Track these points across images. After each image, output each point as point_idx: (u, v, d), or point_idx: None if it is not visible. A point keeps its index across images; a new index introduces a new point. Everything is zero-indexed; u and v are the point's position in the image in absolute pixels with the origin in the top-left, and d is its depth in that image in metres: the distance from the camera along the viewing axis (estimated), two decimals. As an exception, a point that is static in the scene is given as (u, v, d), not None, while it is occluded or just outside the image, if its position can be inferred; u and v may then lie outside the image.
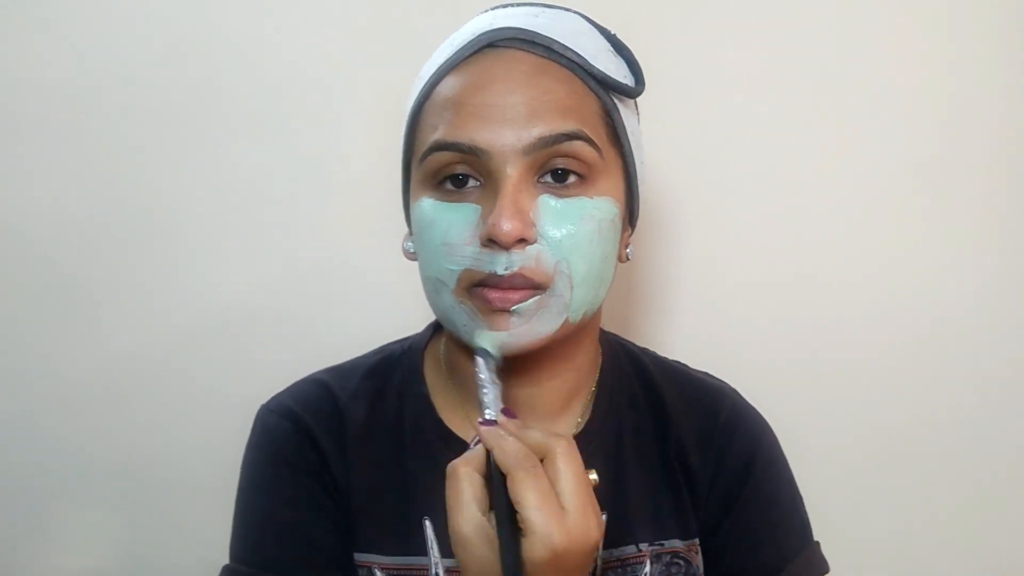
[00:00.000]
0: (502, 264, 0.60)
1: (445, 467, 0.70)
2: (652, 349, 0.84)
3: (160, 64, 0.99)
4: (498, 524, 0.52)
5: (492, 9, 0.69)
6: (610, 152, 0.65)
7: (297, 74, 1.01)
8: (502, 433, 0.56)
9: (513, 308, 0.61)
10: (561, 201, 0.62)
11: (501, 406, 0.59)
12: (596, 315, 0.71)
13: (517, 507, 0.52)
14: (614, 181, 0.65)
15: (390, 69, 0.96)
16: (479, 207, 0.62)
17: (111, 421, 1.03)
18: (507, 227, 0.58)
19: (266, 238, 1.02)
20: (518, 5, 0.68)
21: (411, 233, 0.70)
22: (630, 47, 0.69)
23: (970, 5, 1.03)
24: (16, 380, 1.02)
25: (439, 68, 0.64)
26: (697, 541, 0.74)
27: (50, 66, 0.98)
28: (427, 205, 0.63)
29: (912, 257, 1.06)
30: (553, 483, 0.53)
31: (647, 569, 0.72)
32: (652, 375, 0.79)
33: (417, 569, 0.69)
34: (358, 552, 0.70)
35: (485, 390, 0.60)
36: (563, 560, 0.51)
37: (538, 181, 0.62)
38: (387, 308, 1.01)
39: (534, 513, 0.51)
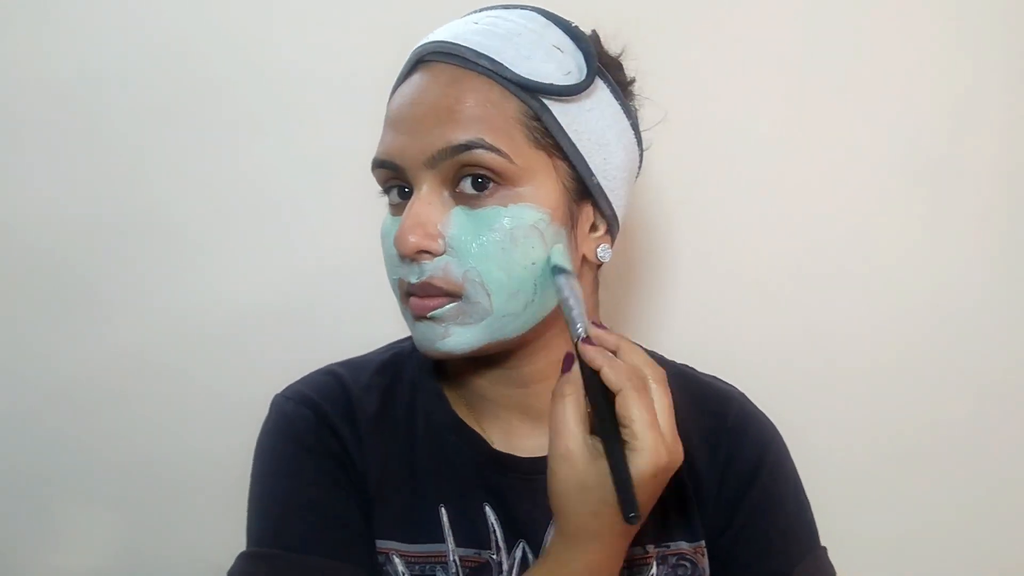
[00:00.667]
0: (414, 274, 0.64)
1: (455, 457, 0.71)
2: (661, 354, 0.84)
3: (161, 64, 1.00)
4: (607, 440, 0.55)
5: (469, 14, 0.70)
6: (532, 156, 0.64)
7: (300, 74, 1.01)
8: (607, 353, 0.58)
9: (430, 314, 0.64)
10: (473, 212, 0.63)
11: (588, 321, 0.61)
12: (554, 316, 0.70)
13: (627, 422, 0.55)
14: (539, 185, 0.64)
15: (394, 70, 0.98)
16: (400, 219, 0.65)
17: (112, 421, 1.03)
18: (401, 241, 0.62)
19: (269, 238, 1.03)
20: (480, 10, 0.70)
21: None
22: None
23: (971, 6, 1.04)
24: (17, 380, 1.02)
25: (392, 86, 0.69)
26: (703, 544, 0.74)
27: (50, 66, 0.99)
28: (385, 218, 0.68)
29: (913, 258, 1.07)
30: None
31: (653, 570, 0.71)
32: None
33: (435, 556, 0.69)
34: (377, 539, 0.70)
35: (571, 305, 0.61)
36: (660, 477, 0.56)
37: (456, 191, 0.64)
38: (389, 309, 1.00)
39: (645, 429, 0.55)
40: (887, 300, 1.07)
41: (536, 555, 0.70)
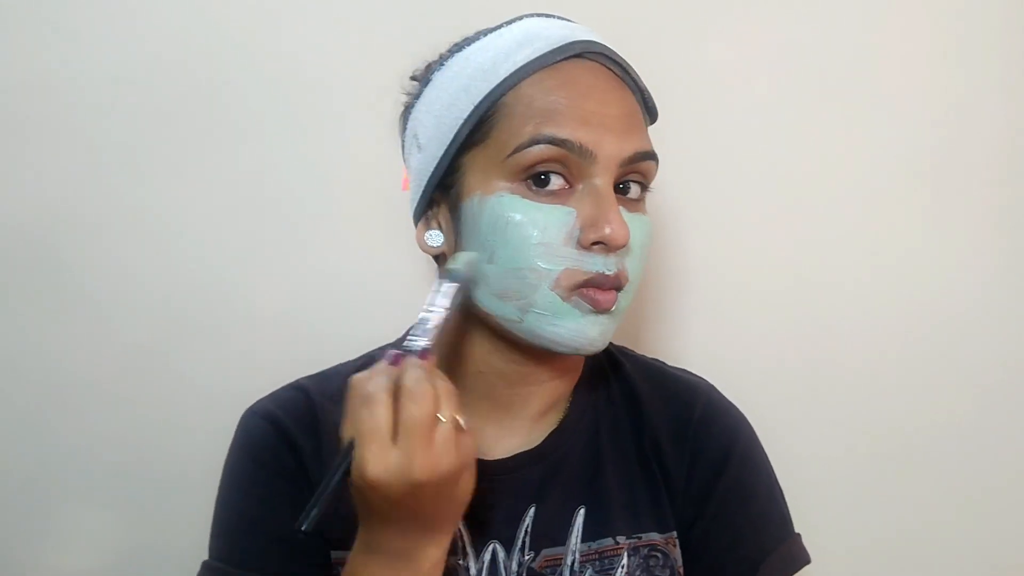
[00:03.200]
0: (610, 265, 0.64)
1: None
2: (632, 350, 0.85)
3: (160, 63, 1.00)
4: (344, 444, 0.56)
5: (538, 16, 0.70)
6: None
7: (297, 74, 1.01)
8: (374, 369, 0.57)
9: (612, 308, 0.65)
10: (632, 215, 0.66)
11: (426, 342, 0.59)
12: None
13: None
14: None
15: (393, 70, 0.96)
16: (573, 210, 0.64)
17: (110, 421, 1.04)
18: (622, 232, 0.62)
19: (266, 238, 1.03)
20: (556, 17, 0.71)
21: (453, 226, 0.69)
22: (636, 56, 0.71)
23: (971, 6, 1.04)
24: (14, 380, 1.03)
25: (523, 66, 0.65)
26: (675, 535, 0.75)
27: (49, 65, 0.99)
28: (513, 202, 0.64)
29: (920, 259, 1.07)
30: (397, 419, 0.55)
31: (624, 561, 0.72)
32: (628, 372, 0.80)
33: None
34: (335, 550, 0.71)
35: (443, 316, 0.61)
36: (379, 488, 0.54)
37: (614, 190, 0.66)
38: (386, 309, 0.99)
39: (359, 440, 0.55)
40: (893, 302, 1.07)
41: (508, 552, 0.71)
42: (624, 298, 0.66)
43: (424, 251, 0.72)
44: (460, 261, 0.64)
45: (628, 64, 0.68)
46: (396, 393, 0.55)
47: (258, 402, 0.77)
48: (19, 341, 1.03)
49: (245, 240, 1.03)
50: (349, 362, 0.81)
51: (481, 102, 0.66)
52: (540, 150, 0.63)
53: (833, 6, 1.03)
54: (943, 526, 1.09)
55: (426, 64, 0.73)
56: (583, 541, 0.72)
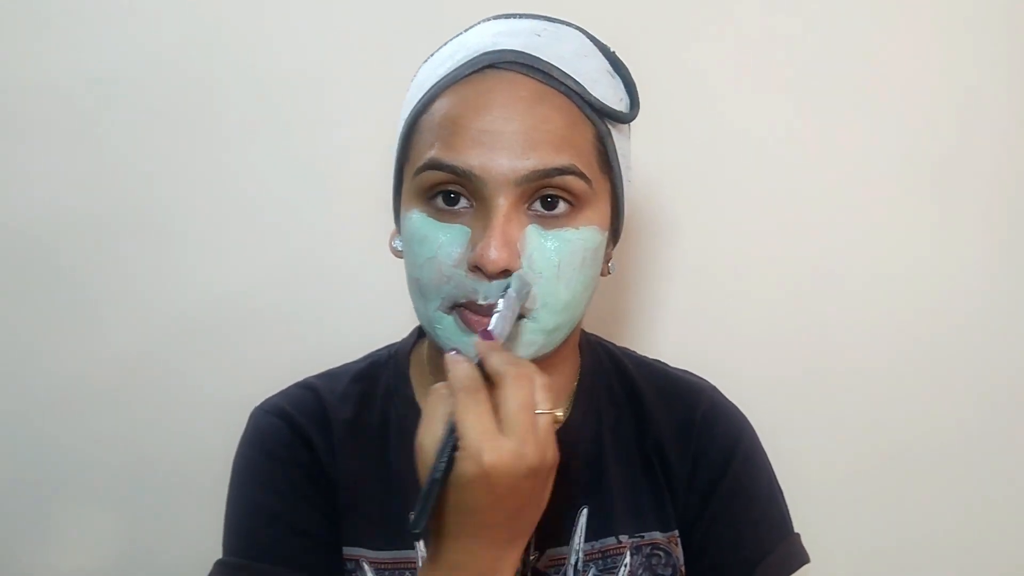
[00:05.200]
0: (482, 294, 0.63)
1: None
2: (635, 350, 0.86)
3: (158, 64, 1.00)
4: (442, 444, 0.54)
5: (495, 19, 0.69)
6: (600, 180, 0.66)
7: (294, 75, 1.01)
8: (460, 358, 0.57)
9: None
10: (547, 233, 0.63)
11: (502, 328, 0.59)
12: (576, 328, 0.73)
13: (457, 427, 0.54)
14: (601, 208, 0.67)
15: (388, 70, 0.95)
16: (468, 230, 0.63)
17: (110, 421, 1.04)
18: (494, 257, 0.60)
19: (263, 238, 1.03)
20: (520, 17, 0.68)
21: (399, 234, 0.71)
22: (625, 56, 0.70)
23: (972, 6, 1.03)
24: (14, 380, 1.03)
25: (437, 83, 0.65)
26: (677, 533, 0.76)
27: (48, 66, 0.99)
28: (418, 219, 0.65)
29: (918, 261, 1.06)
30: (498, 407, 0.54)
31: (627, 560, 0.73)
32: (631, 373, 0.81)
33: (403, 563, 0.71)
34: (347, 546, 0.72)
35: (514, 308, 0.61)
36: (492, 479, 0.53)
37: (527, 209, 0.63)
38: (383, 309, 1.01)
39: (467, 430, 0.53)
40: (893, 304, 1.07)
41: None
42: (534, 323, 0.64)
43: (394, 255, 0.73)
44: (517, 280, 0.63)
45: (555, 68, 0.63)
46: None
47: (267, 400, 0.77)
48: (19, 343, 1.03)
49: (246, 241, 1.03)
50: (354, 362, 0.81)
51: (408, 118, 0.67)
52: (432, 176, 0.63)
53: (833, 7, 1.03)
54: (943, 529, 1.10)
55: None
56: (586, 541, 0.73)
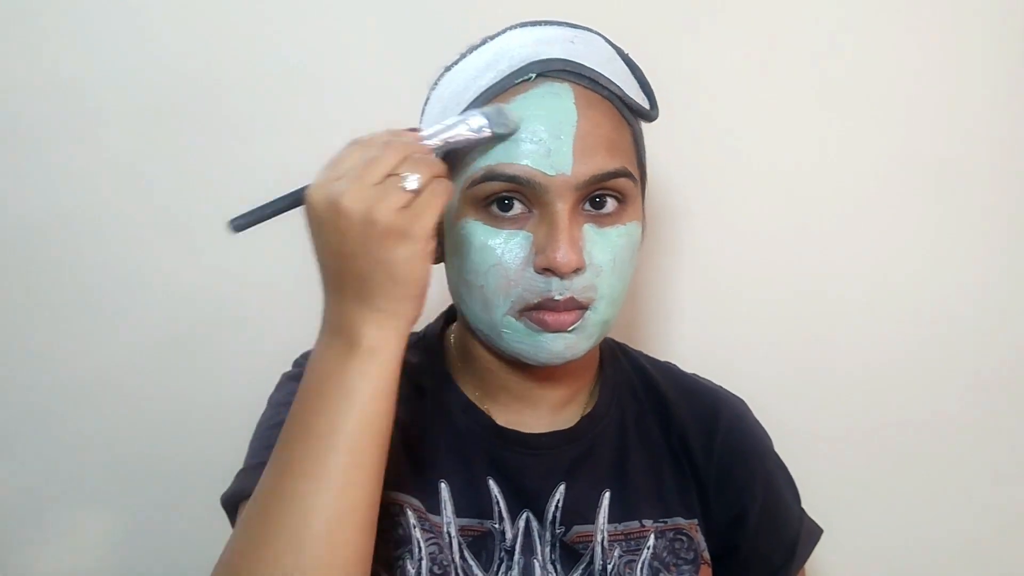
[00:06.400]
0: (558, 290, 0.65)
1: (461, 433, 0.75)
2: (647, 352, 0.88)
3: (161, 62, 1.01)
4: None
5: (521, 27, 0.71)
6: (639, 177, 0.71)
7: (293, 74, 1.02)
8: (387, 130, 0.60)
9: (569, 328, 0.67)
10: (601, 231, 0.67)
11: (437, 141, 0.61)
12: None
13: None
14: (639, 203, 0.71)
15: (390, 69, 1.00)
16: (531, 235, 0.66)
17: (110, 421, 1.03)
18: (566, 259, 0.63)
19: (265, 236, 1.02)
20: (546, 24, 0.71)
21: (439, 244, 0.71)
22: (626, 47, 0.73)
23: (973, 5, 1.05)
24: (14, 381, 1.03)
25: (486, 91, 0.66)
26: (697, 521, 0.77)
27: (49, 65, 1.00)
28: (476, 228, 0.66)
29: (919, 260, 1.08)
30: None
31: (651, 543, 0.74)
32: (648, 371, 0.84)
33: (439, 525, 0.72)
34: (391, 489, 0.70)
35: (458, 127, 0.62)
36: (310, 209, 0.57)
37: (582, 210, 0.67)
38: None
39: (323, 167, 0.58)
40: (894, 303, 1.08)
41: (540, 523, 0.73)
42: (594, 315, 0.68)
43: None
44: (507, 114, 0.64)
45: (599, 74, 0.66)
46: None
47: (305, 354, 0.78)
48: (19, 342, 1.03)
49: (244, 237, 1.02)
50: None
51: None
52: (492, 186, 0.65)
53: (836, 8, 1.05)
54: (947, 530, 1.10)
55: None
56: (610, 522, 0.74)
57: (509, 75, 0.65)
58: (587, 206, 0.67)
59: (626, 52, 0.73)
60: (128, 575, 1.04)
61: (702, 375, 0.87)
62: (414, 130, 0.61)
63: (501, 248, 0.66)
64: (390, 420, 0.59)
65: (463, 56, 0.72)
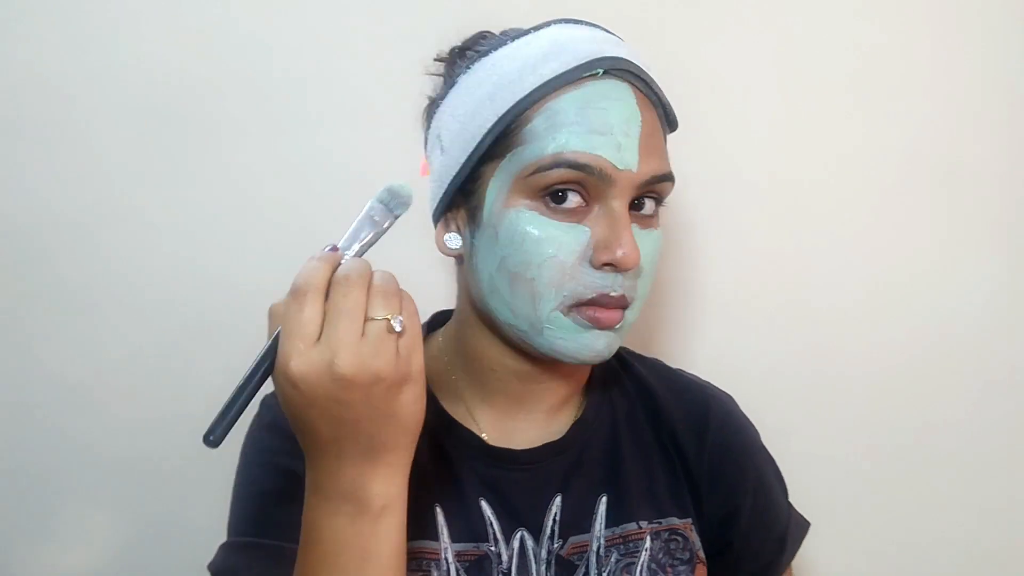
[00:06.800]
0: (614, 287, 0.65)
1: (451, 454, 0.73)
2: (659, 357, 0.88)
3: (158, 63, 1.00)
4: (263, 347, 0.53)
5: (564, 23, 0.69)
6: None
7: (296, 73, 1.01)
8: (313, 260, 0.54)
9: (616, 326, 0.67)
10: (644, 232, 0.67)
11: (350, 244, 0.56)
12: None
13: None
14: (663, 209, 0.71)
15: (394, 69, 0.96)
16: (589, 229, 0.65)
17: (111, 420, 1.03)
18: (632, 255, 0.63)
19: (266, 237, 1.03)
20: (585, 24, 0.70)
21: (459, 235, 0.70)
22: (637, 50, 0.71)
23: (975, 6, 1.04)
24: (15, 379, 1.02)
25: (549, 80, 0.65)
26: (691, 520, 0.78)
27: (49, 65, 0.98)
28: (532, 218, 0.65)
29: (926, 263, 1.08)
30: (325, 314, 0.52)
31: (648, 544, 0.75)
32: (638, 370, 0.83)
33: (427, 552, 0.71)
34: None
35: (366, 228, 0.57)
36: (302, 389, 0.51)
37: (629, 210, 0.66)
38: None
39: (283, 338, 0.51)
40: (900, 306, 1.08)
41: (536, 540, 0.73)
42: (631, 314, 0.68)
43: (442, 252, 0.73)
44: (403, 187, 0.59)
45: (652, 79, 0.68)
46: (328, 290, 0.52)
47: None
48: (16, 339, 1.02)
49: (245, 238, 1.03)
50: None
51: (505, 114, 0.66)
52: (560, 173, 0.64)
53: (834, 8, 1.04)
54: (950, 531, 1.12)
55: (451, 48, 0.73)
56: (607, 527, 0.74)
57: (577, 67, 0.65)
58: (634, 206, 0.67)
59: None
60: (130, 574, 1.06)
61: (714, 380, 0.86)
62: (333, 248, 0.56)
63: (559, 239, 0.64)
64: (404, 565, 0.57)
65: (500, 43, 0.69)
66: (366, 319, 0.51)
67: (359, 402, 0.51)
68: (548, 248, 0.64)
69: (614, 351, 0.69)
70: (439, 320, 0.81)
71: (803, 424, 1.04)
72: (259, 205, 1.03)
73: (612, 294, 0.65)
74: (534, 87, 0.65)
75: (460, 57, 0.71)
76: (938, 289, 1.08)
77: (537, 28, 0.69)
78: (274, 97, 1.02)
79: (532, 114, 0.65)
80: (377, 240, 0.57)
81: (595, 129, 0.64)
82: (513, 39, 0.69)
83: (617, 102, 0.65)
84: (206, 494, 0.92)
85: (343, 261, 0.54)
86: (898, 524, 1.11)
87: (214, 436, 0.51)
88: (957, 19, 1.04)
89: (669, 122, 0.71)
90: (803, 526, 0.84)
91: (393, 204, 0.58)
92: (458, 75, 0.70)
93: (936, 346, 1.09)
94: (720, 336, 1.08)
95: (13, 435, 1.03)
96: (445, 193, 0.71)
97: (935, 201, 1.07)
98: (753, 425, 0.84)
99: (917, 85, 1.05)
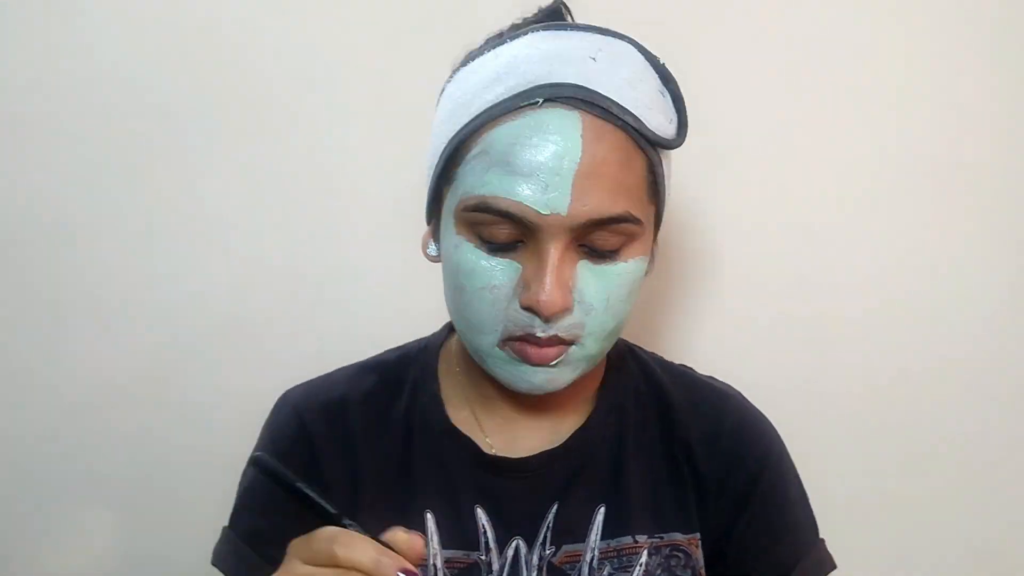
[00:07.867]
0: (540, 328, 0.62)
1: (448, 462, 0.73)
2: (661, 356, 0.85)
3: (159, 63, 1.00)
4: None
5: (544, 30, 0.65)
6: (648, 210, 0.65)
7: (296, 73, 1.01)
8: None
9: (551, 363, 0.64)
10: (597, 268, 0.63)
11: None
12: None
13: None
14: (647, 236, 0.66)
15: (393, 70, 0.99)
16: (520, 266, 0.62)
17: (111, 422, 1.03)
18: (550, 302, 0.60)
19: (268, 239, 1.03)
20: (572, 29, 0.65)
21: (436, 244, 0.69)
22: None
23: (975, 5, 1.03)
24: (16, 382, 1.03)
25: (488, 110, 0.62)
26: (698, 535, 0.74)
27: (49, 65, 1.00)
28: (468, 251, 0.63)
29: (928, 261, 1.05)
30: None
31: (643, 560, 0.71)
32: (658, 377, 0.79)
33: None
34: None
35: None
36: None
37: (578, 247, 0.63)
38: (390, 309, 1.02)
39: None
40: (901, 303, 1.06)
41: (530, 546, 0.70)
42: (582, 349, 0.65)
43: (428, 259, 0.72)
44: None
45: (613, 102, 0.61)
46: None
47: (294, 388, 0.78)
48: (18, 343, 1.03)
49: (247, 240, 1.03)
50: (386, 352, 0.81)
51: (452, 138, 0.64)
52: (485, 217, 0.61)
53: (835, 8, 1.03)
54: (951, 528, 1.08)
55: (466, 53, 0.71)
56: (602, 539, 0.71)
57: (514, 96, 0.61)
58: (584, 243, 0.62)
59: (662, 62, 0.67)
60: (130, 575, 1.05)
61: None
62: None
63: (490, 274, 0.63)
64: None
65: (478, 53, 0.66)
66: None
67: None
68: (480, 281, 0.63)
69: (563, 382, 0.66)
70: None
71: (803, 424, 0.99)
72: (267, 209, 1.03)
73: (539, 335, 0.62)
74: (474, 115, 0.62)
75: (454, 69, 0.70)
76: (941, 290, 1.05)
77: (514, 36, 0.65)
78: (284, 97, 1.02)
79: (472, 143, 0.63)
80: None
81: (519, 171, 0.59)
82: (488, 50, 0.66)
83: (553, 135, 0.59)
84: (206, 498, 0.92)
85: None
86: (898, 525, 1.08)
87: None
88: (962, 20, 1.03)
89: (651, 143, 0.64)
90: (823, 565, 0.76)
91: None
92: (445, 84, 0.69)
93: (938, 347, 1.06)
94: (720, 336, 1.06)
95: (13, 437, 1.04)
96: (427, 201, 0.71)
97: (938, 202, 1.05)
98: (781, 442, 0.79)
99: (920, 87, 1.03)
